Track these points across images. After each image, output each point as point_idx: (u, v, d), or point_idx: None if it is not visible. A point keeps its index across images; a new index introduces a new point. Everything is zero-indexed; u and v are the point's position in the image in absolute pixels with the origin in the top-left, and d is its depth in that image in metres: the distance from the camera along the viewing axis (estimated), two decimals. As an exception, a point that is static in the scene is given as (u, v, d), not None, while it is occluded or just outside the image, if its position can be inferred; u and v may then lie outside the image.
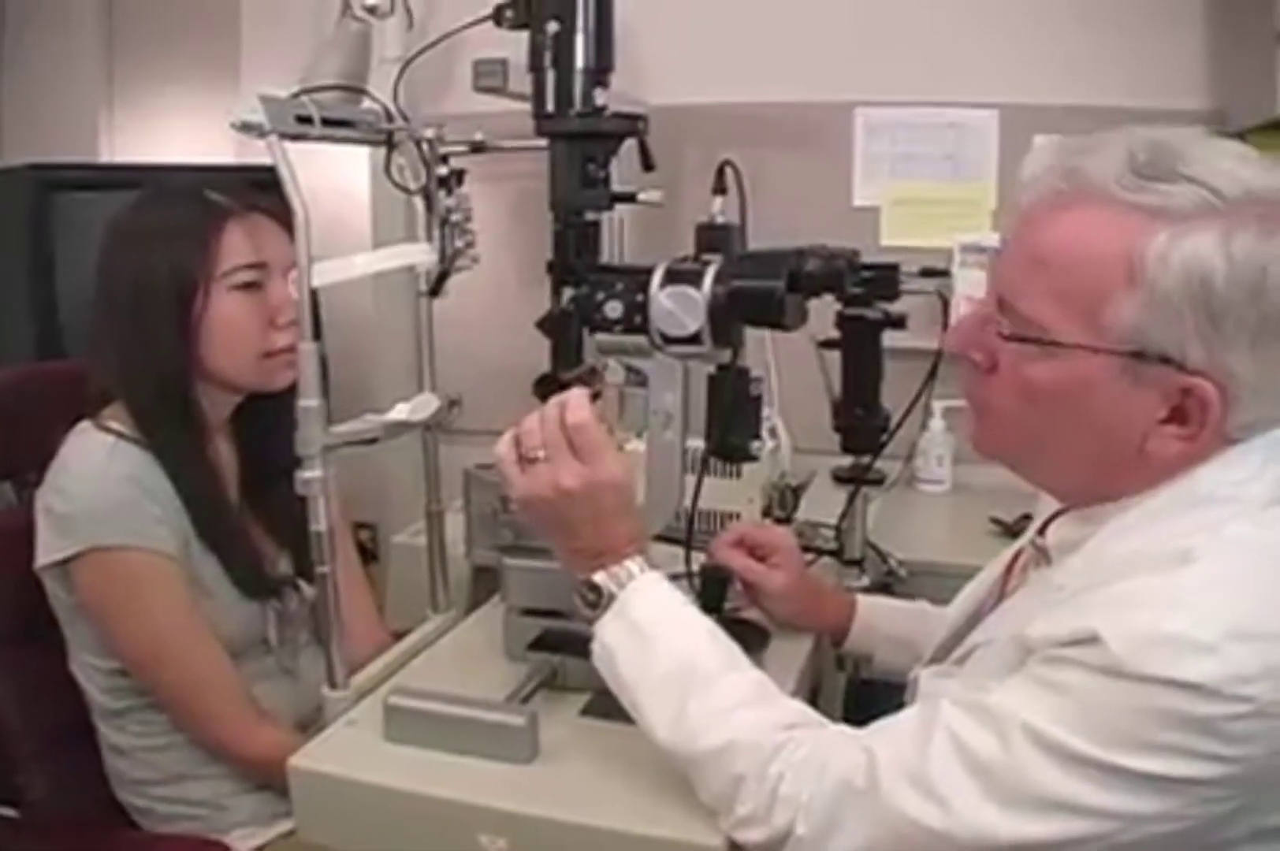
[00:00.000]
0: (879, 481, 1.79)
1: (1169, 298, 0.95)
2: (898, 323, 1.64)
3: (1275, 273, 0.94)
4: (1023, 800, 0.94)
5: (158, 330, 1.55)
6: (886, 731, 1.08)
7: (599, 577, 1.22)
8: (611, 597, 1.21)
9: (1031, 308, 1.04)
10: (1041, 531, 1.24)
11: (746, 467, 2.06)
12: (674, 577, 1.44)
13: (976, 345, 1.12)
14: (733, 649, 1.21)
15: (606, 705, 1.25)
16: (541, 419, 1.23)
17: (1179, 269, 0.95)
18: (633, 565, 1.23)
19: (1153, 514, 1.05)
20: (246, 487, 1.74)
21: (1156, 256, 0.95)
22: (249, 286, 1.58)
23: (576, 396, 1.24)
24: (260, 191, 1.55)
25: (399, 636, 1.69)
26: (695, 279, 1.30)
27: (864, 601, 1.62)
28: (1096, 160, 1.01)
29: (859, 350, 1.66)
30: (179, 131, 3.16)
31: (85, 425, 1.59)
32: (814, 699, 1.67)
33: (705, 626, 1.22)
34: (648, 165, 1.48)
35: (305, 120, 1.35)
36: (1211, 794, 0.90)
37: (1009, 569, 1.32)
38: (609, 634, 1.21)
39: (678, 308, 1.29)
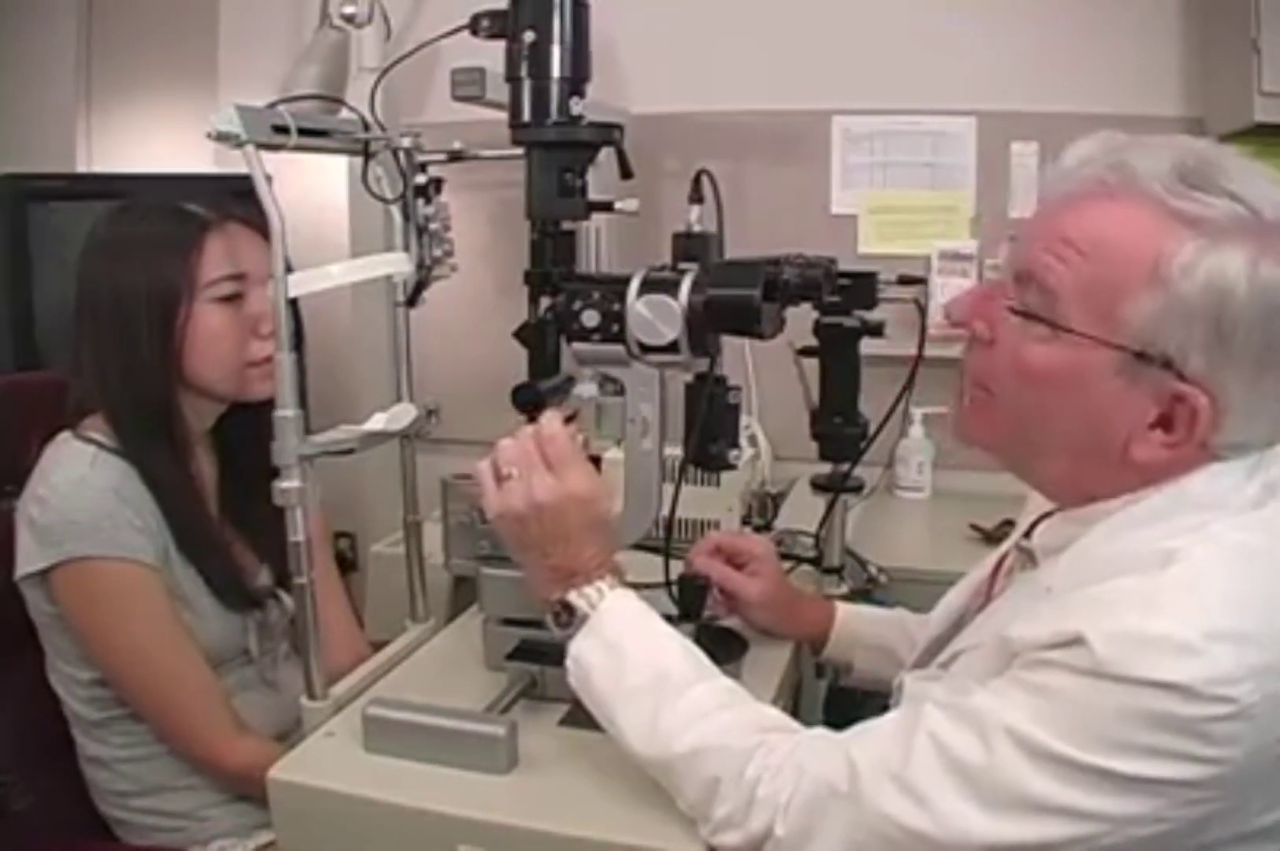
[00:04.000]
0: (858, 489, 1.78)
1: (1184, 305, 0.97)
2: (875, 330, 1.64)
3: None
4: (1005, 802, 0.95)
5: (140, 342, 1.55)
6: (868, 734, 1.09)
7: (571, 597, 1.23)
8: (584, 617, 1.22)
9: (1052, 288, 1.04)
10: (1028, 534, 1.25)
11: (725, 476, 2.06)
12: (652, 586, 1.44)
13: (980, 316, 1.13)
14: (704, 660, 1.22)
15: (585, 715, 1.25)
16: (516, 437, 1.26)
17: (1202, 280, 0.96)
18: (603, 584, 1.24)
19: (1139, 518, 1.05)
20: (226, 498, 1.74)
21: (1182, 263, 0.97)
22: (230, 298, 1.58)
23: (550, 415, 1.27)
24: (239, 201, 1.54)
25: (378, 646, 1.68)
26: (672, 288, 1.30)
27: (843, 609, 1.62)
28: (1145, 159, 1.02)
29: (837, 358, 1.66)
30: (157, 141, 3.14)
31: (65, 436, 1.59)
32: (794, 707, 1.67)
33: (676, 640, 1.23)
34: (625, 174, 1.47)
35: (282, 130, 1.34)
36: (1194, 795, 0.91)
37: (994, 572, 1.32)
38: (583, 651, 1.22)
39: (655, 316, 1.29)
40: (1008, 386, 1.11)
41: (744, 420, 2.04)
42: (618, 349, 1.34)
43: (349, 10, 2.65)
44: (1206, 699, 0.88)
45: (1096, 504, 1.10)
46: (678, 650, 1.21)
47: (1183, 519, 1.02)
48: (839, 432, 1.68)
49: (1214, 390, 0.99)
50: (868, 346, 1.65)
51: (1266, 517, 1.02)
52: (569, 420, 1.31)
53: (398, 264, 1.52)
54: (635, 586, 1.28)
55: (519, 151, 1.43)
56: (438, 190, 1.55)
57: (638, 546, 1.44)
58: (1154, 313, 0.98)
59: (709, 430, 1.38)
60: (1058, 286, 1.04)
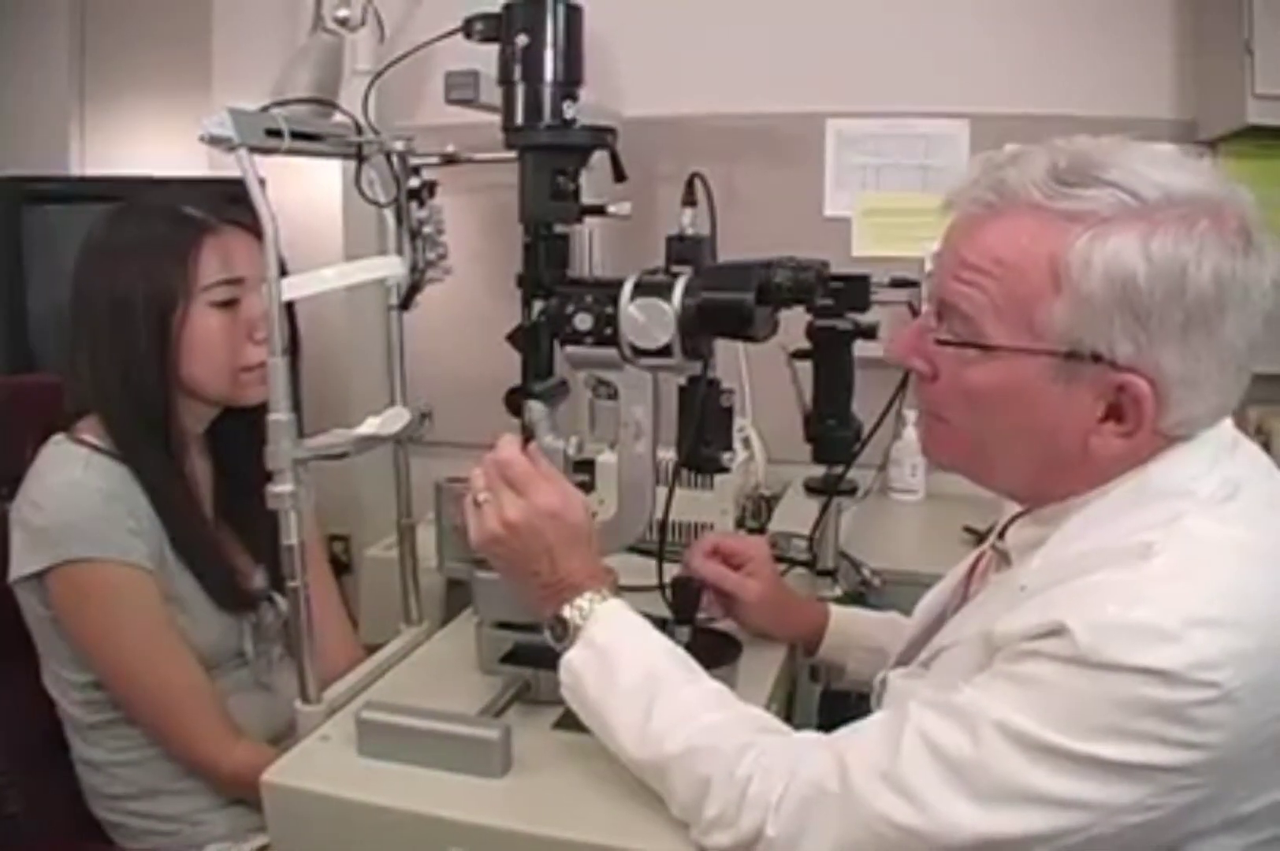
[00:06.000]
0: (852, 491, 1.79)
1: (1094, 299, 0.99)
2: (868, 333, 1.64)
3: (1195, 272, 0.98)
4: (997, 795, 0.95)
5: (136, 346, 1.55)
6: (857, 734, 1.09)
7: (566, 612, 1.25)
8: (579, 630, 1.23)
9: (967, 313, 1.07)
10: (1001, 534, 1.26)
11: (719, 479, 2.07)
12: (646, 589, 1.44)
13: (917, 353, 1.16)
14: (694, 664, 1.23)
15: (579, 719, 1.25)
16: (482, 466, 1.29)
17: (1101, 271, 0.99)
18: (594, 596, 1.25)
19: (1107, 511, 1.07)
20: (221, 501, 1.74)
21: (1079, 259, 0.99)
22: (227, 302, 1.58)
23: (505, 440, 1.30)
24: (234, 204, 1.54)
25: (372, 649, 1.68)
26: (665, 291, 1.30)
27: (836, 611, 1.63)
28: (1019, 170, 1.05)
29: (830, 360, 1.66)
30: (151, 144, 3.14)
31: (59, 438, 1.58)
32: (788, 711, 1.67)
33: (666, 645, 1.24)
34: (618, 177, 1.47)
35: (275, 133, 1.34)
36: (1182, 782, 0.92)
37: (970, 572, 1.34)
38: (574, 660, 1.23)
39: (648, 320, 1.30)
40: (960, 412, 1.13)
41: (738, 423, 2.04)
42: (611, 352, 1.34)
43: (342, 13, 2.65)
44: (1189, 684, 0.89)
45: (1064, 501, 1.12)
46: (667, 655, 1.22)
47: (1152, 510, 1.04)
48: (833, 435, 1.68)
49: (1150, 372, 1.01)
50: (861, 349, 1.65)
51: (1239, 509, 1.03)
52: (527, 441, 1.33)
53: (391, 267, 1.52)
54: (629, 590, 1.28)
55: (512, 155, 1.43)
56: (431, 193, 1.56)
57: (632, 549, 1.44)
58: (1068, 313, 1.01)
59: (702, 433, 1.39)
60: (973, 310, 1.07)
